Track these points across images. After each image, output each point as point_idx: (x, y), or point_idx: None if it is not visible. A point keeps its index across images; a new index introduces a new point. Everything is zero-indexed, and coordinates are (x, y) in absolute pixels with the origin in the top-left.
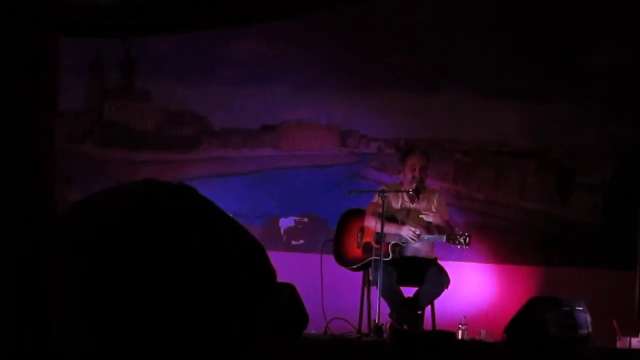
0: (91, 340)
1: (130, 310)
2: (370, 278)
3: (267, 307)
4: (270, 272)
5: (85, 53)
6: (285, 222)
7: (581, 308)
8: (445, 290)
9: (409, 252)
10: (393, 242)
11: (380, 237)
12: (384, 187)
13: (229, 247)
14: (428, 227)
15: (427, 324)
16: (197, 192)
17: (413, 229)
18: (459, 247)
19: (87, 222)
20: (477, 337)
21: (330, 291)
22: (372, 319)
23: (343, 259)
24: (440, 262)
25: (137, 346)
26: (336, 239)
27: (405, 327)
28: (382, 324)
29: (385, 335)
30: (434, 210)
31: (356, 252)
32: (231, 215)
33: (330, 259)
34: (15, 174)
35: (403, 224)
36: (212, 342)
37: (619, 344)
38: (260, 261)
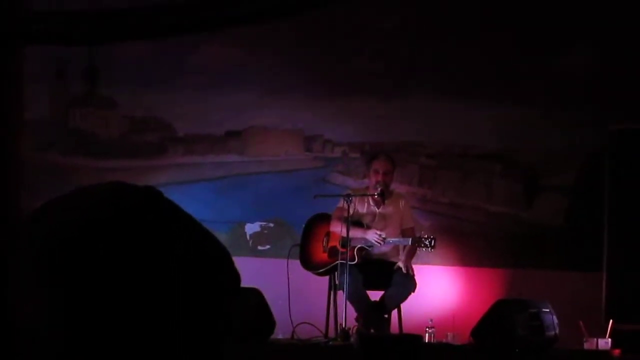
0: (63, 347)
1: (103, 311)
2: (337, 282)
3: (233, 310)
4: (236, 274)
5: (50, 61)
6: (251, 228)
7: (548, 310)
8: (412, 293)
9: (375, 256)
10: (359, 245)
11: (346, 241)
12: (350, 192)
13: (196, 248)
14: (394, 231)
15: (394, 328)
16: (163, 195)
17: (379, 232)
18: (424, 250)
19: (57, 224)
20: (444, 340)
21: (297, 296)
22: (339, 323)
23: (309, 264)
24: None
25: (110, 350)
26: (302, 243)
27: (372, 331)
28: (349, 328)
29: (352, 339)
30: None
31: (322, 256)
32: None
33: (296, 264)
34: None
35: (369, 228)
36: (179, 344)
37: (586, 345)
38: (225, 263)
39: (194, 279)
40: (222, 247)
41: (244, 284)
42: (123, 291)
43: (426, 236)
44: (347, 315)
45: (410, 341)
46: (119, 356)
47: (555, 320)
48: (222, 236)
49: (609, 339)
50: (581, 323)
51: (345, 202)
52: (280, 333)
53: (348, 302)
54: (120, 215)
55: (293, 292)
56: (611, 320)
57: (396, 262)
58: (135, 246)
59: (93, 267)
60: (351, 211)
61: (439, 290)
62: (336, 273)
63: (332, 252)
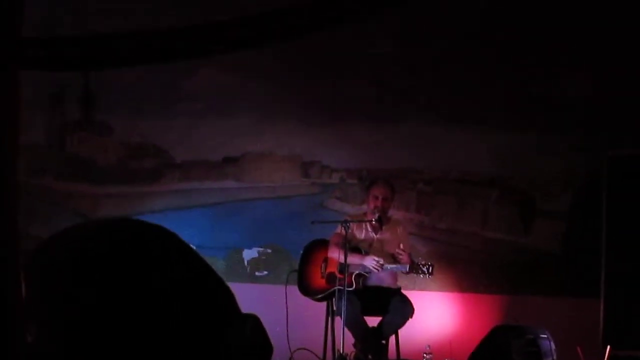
0: None
1: (98, 332)
2: (334, 308)
3: (231, 340)
4: (235, 306)
5: (46, 86)
6: (249, 254)
7: (545, 336)
8: (410, 319)
9: (372, 282)
10: (357, 272)
11: (344, 267)
12: (347, 218)
13: (196, 281)
14: (392, 257)
15: (392, 354)
16: (169, 232)
17: (376, 258)
18: (422, 276)
19: (58, 255)
20: None
21: (295, 322)
22: (336, 349)
23: (307, 289)
24: (404, 292)
25: None
26: (300, 269)
27: (369, 357)
28: (347, 354)
29: None
30: (399, 247)
31: (320, 282)
32: (195, 249)
33: (294, 289)
34: None
35: (367, 254)
36: None
37: None
38: (222, 296)
39: (190, 310)
40: (221, 281)
41: (242, 309)
42: (114, 317)
43: (424, 262)
44: (345, 341)
45: None
46: None
47: (553, 347)
48: (219, 262)
49: None
50: (579, 349)
51: (343, 228)
52: (278, 358)
53: (346, 328)
54: (112, 250)
55: (291, 318)
56: (609, 346)
57: (394, 288)
58: (126, 277)
59: (88, 293)
60: (349, 237)
61: (436, 316)
62: (334, 299)
63: (330, 278)
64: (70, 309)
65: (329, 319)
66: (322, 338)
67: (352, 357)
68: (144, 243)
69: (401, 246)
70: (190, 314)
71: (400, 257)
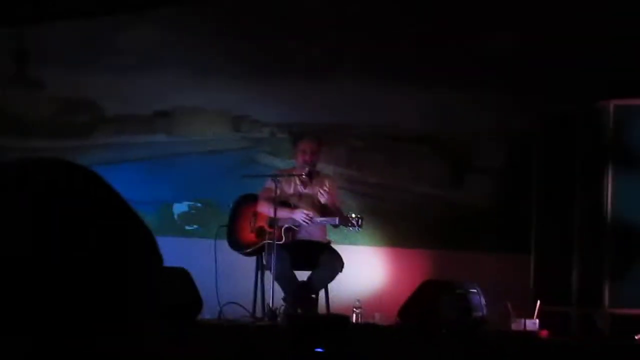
0: None
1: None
2: (264, 262)
3: (154, 287)
4: (158, 255)
5: None
6: (179, 208)
7: (475, 291)
8: (339, 273)
9: (302, 236)
10: (286, 225)
11: (273, 221)
12: (277, 172)
13: (117, 227)
14: (321, 210)
15: (322, 308)
16: (94, 174)
17: (306, 212)
18: (351, 229)
19: None
20: (371, 321)
21: (225, 276)
22: (266, 303)
23: (237, 244)
24: (334, 246)
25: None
26: (230, 223)
27: (299, 311)
28: (276, 308)
29: (279, 319)
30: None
31: (250, 236)
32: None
33: (224, 244)
34: None
35: (296, 207)
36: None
37: (513, 326)
38: (147, 241)
39: (114, 253)
40: (144, 225)
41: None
42: (36, 266)
43: (354, 215)
44: (275, 295)
45: (338, 321)
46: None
47: (483, 302)
48: (150, 217)
49: (537, 320)
50: (508, 304)
51: (272, 182)
52: (207, 313)
53: (275, 282)
54: (32, 191)
55: (220, 272)
56: (538, 302)
57: (324, 242)
58: (48, 219)
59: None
60: (278, 191)
61: (366, 271)
62: (263, 253)
63: (260, 233)
64: None
65: (259, 273)
66: (252, 292)
67: (282, 311)
68: (68, 183)
69: (325, 187)
70: (116, 262)
71: (323, 198)
